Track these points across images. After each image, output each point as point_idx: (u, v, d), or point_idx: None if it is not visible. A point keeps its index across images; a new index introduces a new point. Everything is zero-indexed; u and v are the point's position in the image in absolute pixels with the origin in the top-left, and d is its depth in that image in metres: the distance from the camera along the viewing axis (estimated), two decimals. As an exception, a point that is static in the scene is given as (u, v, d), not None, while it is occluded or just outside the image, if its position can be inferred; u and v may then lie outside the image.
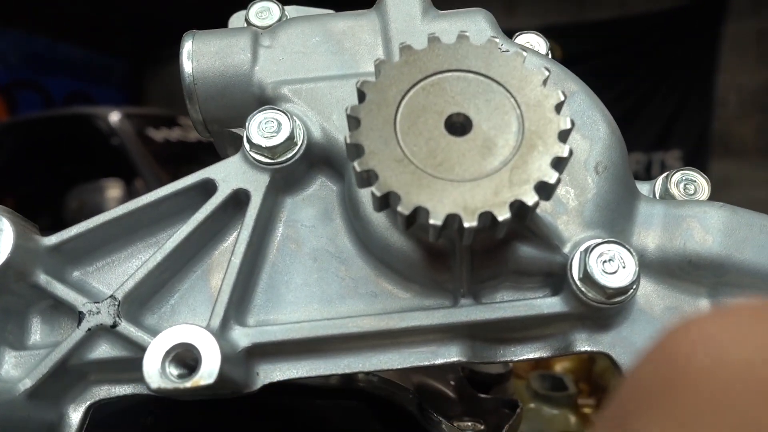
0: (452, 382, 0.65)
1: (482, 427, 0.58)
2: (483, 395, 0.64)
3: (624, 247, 0.42)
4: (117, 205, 0.45)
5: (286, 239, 0.47)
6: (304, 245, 0.47)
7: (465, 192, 0.36)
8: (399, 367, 0.44)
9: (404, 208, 0.36)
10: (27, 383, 0.40)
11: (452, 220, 0.36)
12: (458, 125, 0.39)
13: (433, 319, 0.43)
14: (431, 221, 0.35)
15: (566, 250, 0.43)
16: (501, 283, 0.45)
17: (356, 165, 0.37)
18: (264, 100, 0.49)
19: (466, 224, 0.35)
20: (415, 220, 0.37)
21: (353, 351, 0.44)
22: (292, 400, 0.57)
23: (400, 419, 0.57)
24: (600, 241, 0.42)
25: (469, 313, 0.43)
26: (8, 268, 0.40)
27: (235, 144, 0.52)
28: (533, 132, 0.38)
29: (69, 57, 6.01)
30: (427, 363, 0.44)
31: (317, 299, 0.45)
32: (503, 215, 0.36)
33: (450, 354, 0.44)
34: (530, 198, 0.36)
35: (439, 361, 0.44)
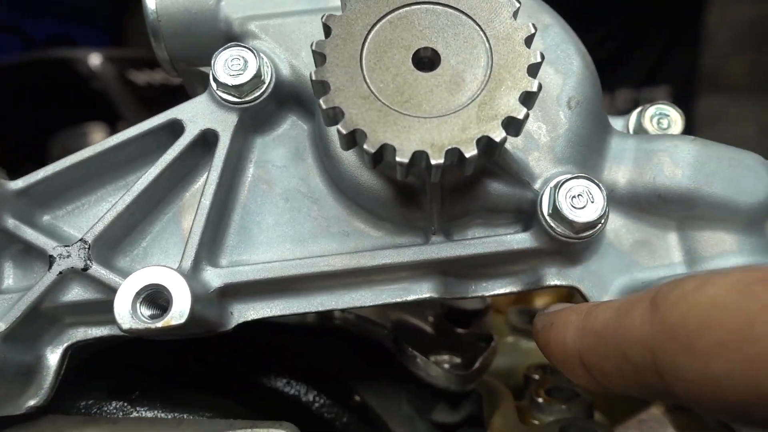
0: (430, 318, 0.66)
1: (458, 361, 0.60)
2: (460, 330, 0.66)
3: (593, 182, 0.42)
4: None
5: (257, 180, 0.47)
6: (276, 185, 0.46)
7: (432, 129, 0.36)
8: (371, 304, 0.44)
9: (370, 146, 0.35)
10: (0, 326, 0.40)
11: (419, 157, 0.35)
12: (426, 60, 0.38)
13: (405, 257, 0.43)
14: (398, 159, 0.35)
15: (537, 186, 0.43)
16: (472, 220, 0.45)
17: (322, 102, 0.36)
18: (231, 36, 0.47)
19: (432, 161, 0.35)
20: (382, 158, 0.37)
21: (326, 289, 0.44)
22: (269, 339, 0.58)
23: (377, 355, 0.58)
24: (569, 176, 0.42)
25: (440, 250, 0.43)
26: (-26, 212, 0.40)
27: (204, 83, 0.51)
28: (502, 66, 0.37)
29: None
30: (399, 300, 0.44)
31: (290, 239, 0.45)
32: (470, 152, 0.35)
33: (422, 290, 0.44)
34: (498, 134, 0.36)
35: (411, 297, 0.44)
